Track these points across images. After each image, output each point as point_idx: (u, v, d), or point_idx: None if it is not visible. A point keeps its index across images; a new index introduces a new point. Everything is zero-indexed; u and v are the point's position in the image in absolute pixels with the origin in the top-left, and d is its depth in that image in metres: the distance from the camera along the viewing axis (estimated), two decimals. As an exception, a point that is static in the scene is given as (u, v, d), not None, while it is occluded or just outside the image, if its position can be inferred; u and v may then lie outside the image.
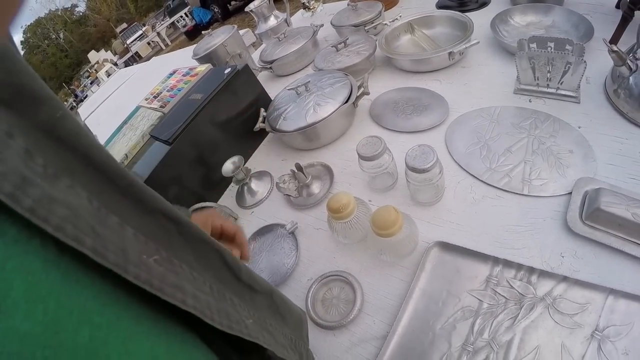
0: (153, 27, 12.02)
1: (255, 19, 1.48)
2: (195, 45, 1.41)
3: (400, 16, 1.02)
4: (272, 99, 0.95)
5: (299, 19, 1.66)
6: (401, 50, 0.99)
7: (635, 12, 0.70)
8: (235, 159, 0.78)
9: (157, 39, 11.68)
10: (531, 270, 0.50)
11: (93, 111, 3.21)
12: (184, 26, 10.78)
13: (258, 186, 0.83)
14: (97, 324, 0.21)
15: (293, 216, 0.72)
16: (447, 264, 0.54)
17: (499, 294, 0.50)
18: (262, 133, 0.96)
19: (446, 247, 0.55)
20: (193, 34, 9.21)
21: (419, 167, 0.52)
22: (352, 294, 0.56)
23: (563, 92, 0.68)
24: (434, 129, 0.73)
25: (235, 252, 0.54)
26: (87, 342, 0.20)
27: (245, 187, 0.82)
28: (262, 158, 0.94)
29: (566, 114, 0.66)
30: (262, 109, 0.91)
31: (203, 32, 1.38)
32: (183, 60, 1.62)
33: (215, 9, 8.54)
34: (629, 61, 0.59)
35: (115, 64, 10.16)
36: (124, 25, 15.31)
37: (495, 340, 0.47)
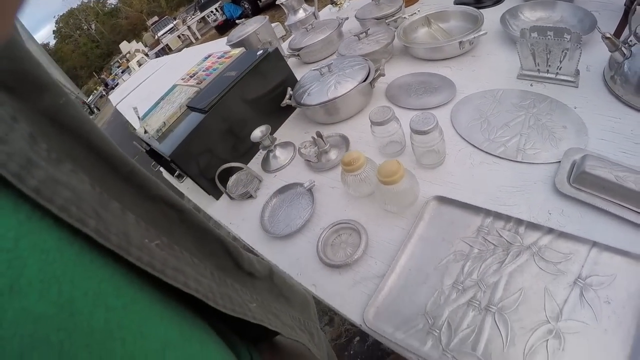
0: (184, 21, 12.32)
1: (286, 11, 1.58)
2: (228, 35, 1.53)
3: (419, 11, 1.11)
4: (298, 80, 1.05)
5: (326, 13, 1.76)
6: (418, 41, 1.08)
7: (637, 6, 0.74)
8: (263, 127, 0.88)
9: (187, 32, 11.97)
10: (519, 222, 0.55)
11: (124, 97, 3.35)
12: (215, 21, 11.01)
13: (282, 153, 0.93)
14: (112, 306, 0.21)
15: (311, 178, 0.82)
16: (444, 215, 0.61)
17: (489, 241, 0.55)
18: (288, 110, 1.06)
19: (443, 200, 0.63)
20: (223, 29, 9.43)
21: (420, 129, 0.61)
22: (358, 239, 0.65)
23: (562, 77, 0.74)
24: (441, 107, 0.81)
25: None
26: (102, 325, 0.19)
27: (271, 154, 0.93)
28: (287, 131, 1.04)
29: (564, 96, 0.71)
30: (289, 88, 1.02)
31: (237, 21, 1.49)
32: (215, 51, 1.73)
33: (245, 5, 8.77)
34: (622, 47, 0.64)
35: (147, 55, 10.42)
36: (155, 18, 15.74)
37: (483, 281, 0.52)
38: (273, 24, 1.72)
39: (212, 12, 11.37)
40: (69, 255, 0.19)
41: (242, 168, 0.87)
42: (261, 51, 1.03)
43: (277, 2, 1.62)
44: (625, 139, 0.60)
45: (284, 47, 1.51)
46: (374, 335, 0.53)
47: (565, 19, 0.88)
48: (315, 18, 1.55)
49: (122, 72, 11.85)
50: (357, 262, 0.63)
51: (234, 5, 9.39)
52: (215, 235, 0.35)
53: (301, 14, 1.54)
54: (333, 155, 0.83)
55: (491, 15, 0.96)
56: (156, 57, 6.27)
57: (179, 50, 5.64)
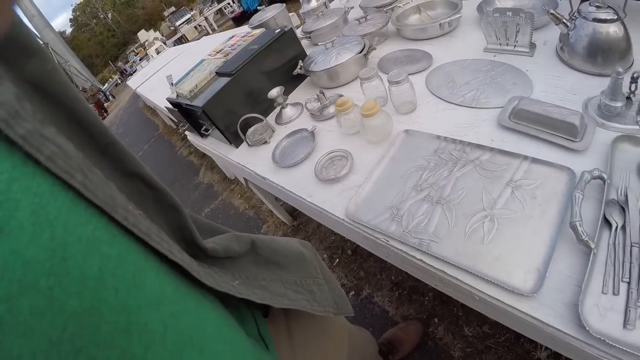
0: (201, 12, 12.47)
1: (300, 0, 1.80)
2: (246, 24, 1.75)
3: (412, 0, 1.32)
4: (308, 54, 1.27)
5: (336, 3, 1.97)
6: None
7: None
8: (278, 88, 1.11)
9: (204, 23, 12.09)
10: (467, 144, 0.73)
11: (143, 82, 3.56)
12: (231, 12, 11.13)
13: (292, 110, 1.15)
14: (107, 254, 0.20)
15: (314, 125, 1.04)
16: (410, 142, 0.82)
17: (442, 158, 0.73)
18: (299, 79, 1.29)
19: (411, 132, 0.84)
20: (240, 20, 9.56)
21: (394, 80, 0.83)
22: (346, 161, 0.87)
23: (519, 49, 0.91)
24: (419, 73, 1.03)
25: None
26: (95, 272, 0.19)
27: (283, 110, 1.15)
28: (298, 95, 1.27)
29: (519, 63, 0.88)
30: (300, 61, 1.24)
31: (258, 7, 1.71)
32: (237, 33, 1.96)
33: (262, -4, 8.92)
34: (564, 20, 0.78)
35: (165, 43, 10.61)
36: (172, 8, 15.99)
37: (436, 184, 0.69)
38: (289, 14, 1.95)
39: (229, 3, 11.49)
40: (63, 200, 0.19)
41: (261, 120, 1.09)
42: (279, 29, 1.25)
43: (293, -8, 1.84)
44: (565, 91, 0.75)
45: (298, 32, 1.74)
46: (355, 226, 0.74)
47: (536, 5, 1.04)
48: (326, 7, 1.77)
49: (140, 60, 12.05)
50: (344, 177, 0.84)
51: (252, -4, 9.57)
52: (187, 221, 0.34)
53: (314, 3, 1.76)
54: (332, 109, 1.05)
55: (473, 4, 1.16)
56: (174, 46, 6.41)
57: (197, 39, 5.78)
